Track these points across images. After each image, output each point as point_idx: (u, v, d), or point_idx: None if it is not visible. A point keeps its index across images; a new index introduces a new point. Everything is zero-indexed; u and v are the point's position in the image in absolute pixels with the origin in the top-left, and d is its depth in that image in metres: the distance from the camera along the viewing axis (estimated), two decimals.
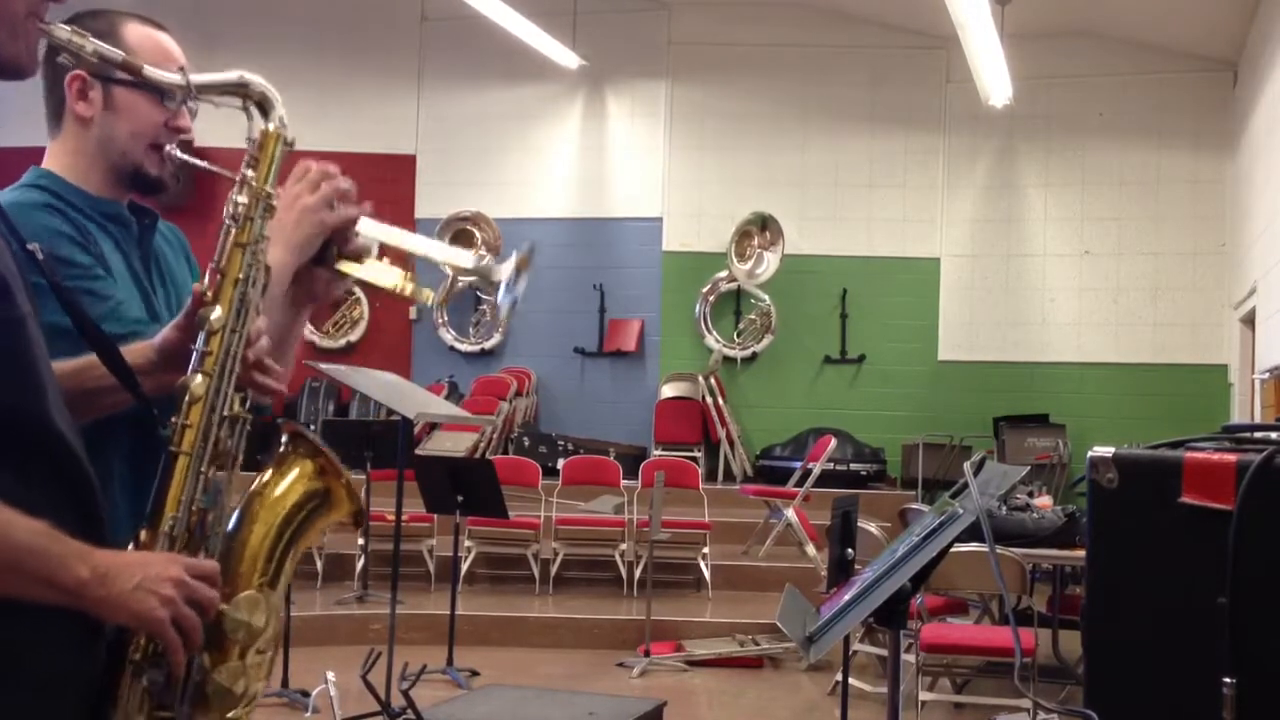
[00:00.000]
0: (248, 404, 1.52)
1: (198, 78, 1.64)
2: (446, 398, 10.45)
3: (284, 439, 1.55)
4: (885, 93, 11.30)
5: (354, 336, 11.61)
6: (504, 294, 1.95)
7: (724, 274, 11.33)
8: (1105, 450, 2.07)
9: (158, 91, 1.80)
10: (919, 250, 11.26)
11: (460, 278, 1.91)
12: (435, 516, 7.62)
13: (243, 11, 11.71)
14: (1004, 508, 5.63)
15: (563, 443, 10.58)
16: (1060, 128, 11.01)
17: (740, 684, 6.53)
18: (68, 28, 1.51)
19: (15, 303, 1.36)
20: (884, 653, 5.86)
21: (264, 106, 1.67)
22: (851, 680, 5.30)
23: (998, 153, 11.17)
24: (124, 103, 1.87)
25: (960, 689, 6.00)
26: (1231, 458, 1.96)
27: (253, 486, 1.51)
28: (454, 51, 11.69)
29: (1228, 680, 1.91)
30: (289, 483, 1.52)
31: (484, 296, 1.88)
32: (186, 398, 1.47)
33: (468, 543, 7.99)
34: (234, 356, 1.51)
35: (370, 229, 1.95)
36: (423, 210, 11.55)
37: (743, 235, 11.16)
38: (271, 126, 1.64)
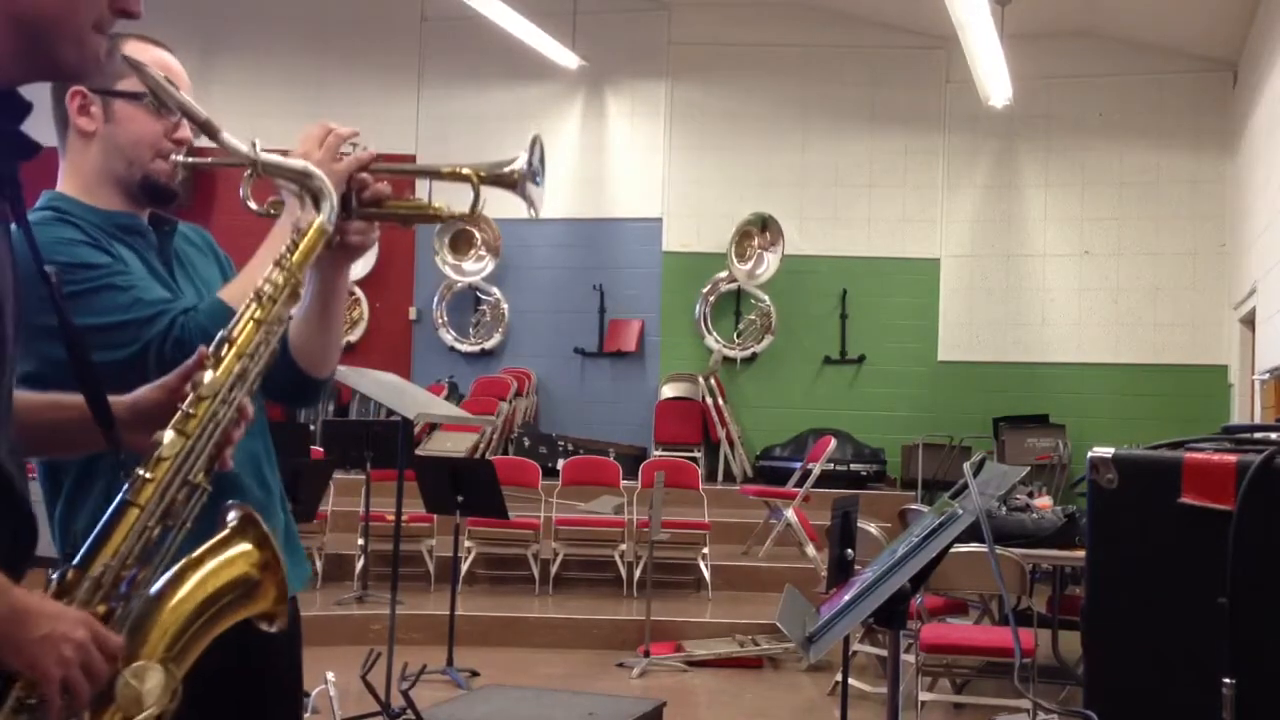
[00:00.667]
0: (211, 474, 1.48)
1: (267, 157, 1.64)
2: (446, 398, 10.46)
3: (232, 517, 1.49)
4: (885, 93, 11.31)
5: (354, 336, 11.60)
6: (535, 183, 1.91)
7: (724, 274, 11.33)
8: (1105, 451, 2.07)
9: (158, 102, 1.80)
10: (919, 250, 11.26)
11: (481, 185, 1.85)
12: (435, 517, 7.62)
13: (243, 12, 11.70)
14: (1004, 508, 5.63)
15: (563, 443, 10.58)
16: (1060, 128, 11.01)
17: (740, 684, 6.53)
18: (161, 74, 1.53)
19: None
20: (884, 653, 5.86)
21: (318, 199, 1.65)
22: (851, 680, 5.30)
23: (998, 153, 11.17)
24: (124, 115, 1.89)
25: (960, 689, 6.00)
26: (1231, 458, 1.96)
27: (186, 558, 1.45)
28: (454, 51, 11.69)
29: (1228, 680, 1.91)
30: (225, 562, 1.46)
31: (518, 196, 1.80)
32: (156, 453, 1.44)
33: (468, 543, 7.99)
34: (217, 425, 1.48)
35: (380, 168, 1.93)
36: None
37: (743, 235, 11.16)
38: (320, 219, 1.62)
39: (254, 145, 1.63)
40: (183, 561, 1.45)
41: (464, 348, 11.72)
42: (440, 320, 11.74)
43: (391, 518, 5.87)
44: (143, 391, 1.56)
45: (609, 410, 11.44)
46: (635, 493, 8.49)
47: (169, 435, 1.45)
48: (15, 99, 1.38)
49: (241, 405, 1.51)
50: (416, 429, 9.54)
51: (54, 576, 1.39)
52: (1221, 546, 1.91)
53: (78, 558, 1.40)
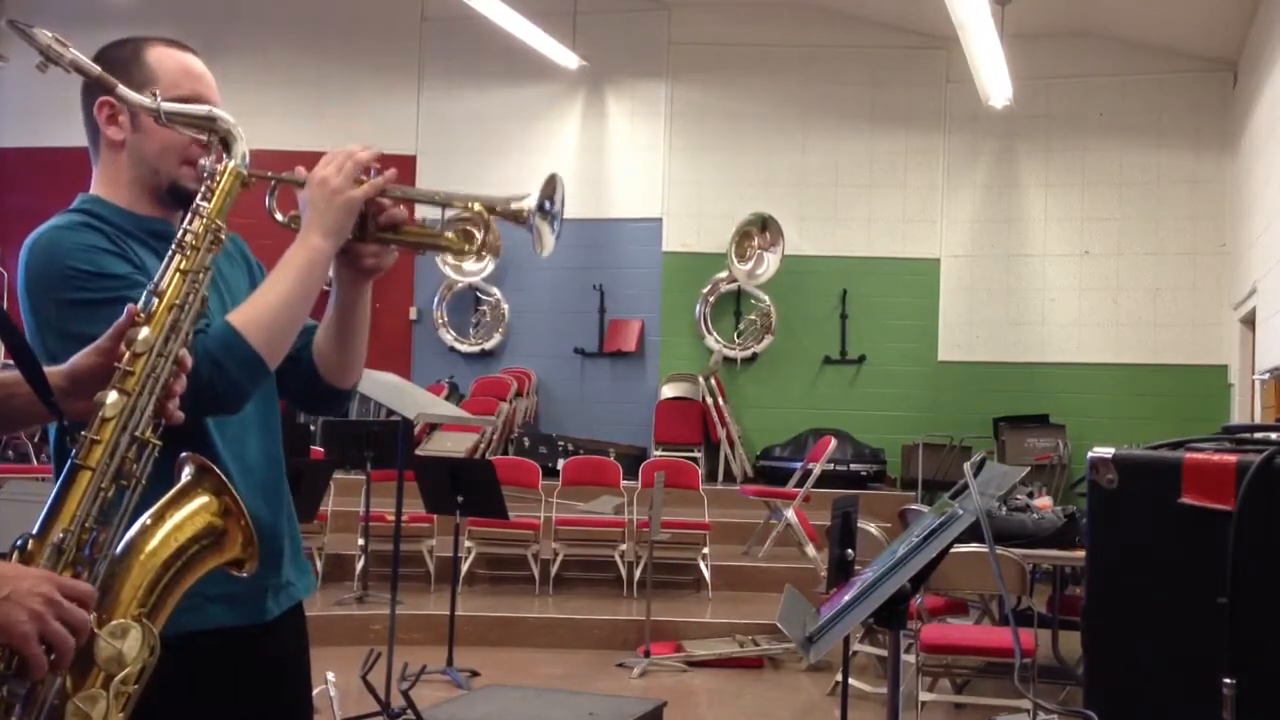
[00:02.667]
0: (160, 430, 1.48)
1: (168, 106, 1.69)
2: (446, 398, 10.45)
3: (188, 470, 1.50)
4: (885, 93, 11.31)
5: None
6: (551, 225, 1.93)
7: (724, 274, 11.33)
8: (1105, 451, 2.07)
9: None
10: (919, 250, 11.26)
11: (491, 218, 1.91)
12: (435, 517, 7.62)
13: (243, 12, 11.71)
14: (1004, 508, 5.63)
15: (563, 443, 10.58)
16: (1060, 128, 11.01)
17: (740, 684, 6.53)
18: (50, 34, 1.52)
19: None
20: (884, 653, 5.86)
21: (227, 143, 1.70)
22: (851, 681, 5.30)
23: (998, 153, 11.17)
24: (150, 123, 1.89)
25: (960, 689, 6.00)
26: (1231, 458, 1.96)
27: (148, 514, 1.45)
28: (454, 51, 11.69)
29: (1228, 680, 1.91)
30: (187, 515, 1.47)
31: (528, 232, 1.80)
32: (99, 414, 1.44)
33: (468, 543, 7.98)
34: (156, 380, 1.48)
35: (396, 193, 1.94)
36: (422, 211, 11.51)
37: (743, 236, 11.16)
38: (232, 164, 1.66)
39: (154, 95, 1.67)
40: (144, 518, 1.45)
41: (464, 348, 11.72)
42: (440, 320, 11.74)
43: (391, 518, 5.87)
44: (78, 358, 1.55)
45: (609, 410, 11.44)
46: (635, 493, 8.49)
47: (111, 395, 1.45)
48: None
49: (179, 358, 1.52)
50: (416, 429, 9.54)
51: (16, 545, 1.39)
52: (1221, 546, 1.91)
53: (35, 526, 1.40)
